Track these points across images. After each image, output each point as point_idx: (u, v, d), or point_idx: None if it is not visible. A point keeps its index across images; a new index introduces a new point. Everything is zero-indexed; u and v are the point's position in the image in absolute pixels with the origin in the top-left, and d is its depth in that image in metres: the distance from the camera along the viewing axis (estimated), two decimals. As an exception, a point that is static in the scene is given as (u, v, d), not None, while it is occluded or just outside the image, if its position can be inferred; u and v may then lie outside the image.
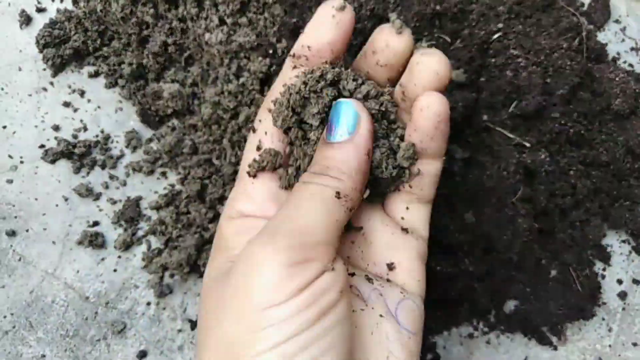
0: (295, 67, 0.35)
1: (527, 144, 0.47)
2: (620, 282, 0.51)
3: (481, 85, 0.48)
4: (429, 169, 0.35)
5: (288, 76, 0.35)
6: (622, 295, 0.51)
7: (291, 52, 0.35)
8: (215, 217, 0.52)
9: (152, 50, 0.54)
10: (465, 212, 0.46)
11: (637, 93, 0.52)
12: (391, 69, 0.35)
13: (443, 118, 0.32)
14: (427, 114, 0.32)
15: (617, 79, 0.52)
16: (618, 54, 0.57)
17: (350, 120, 0.30)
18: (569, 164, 0.49)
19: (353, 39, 0.47)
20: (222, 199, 0.51)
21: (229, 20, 0.51)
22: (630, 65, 0.56)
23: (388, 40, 0.34)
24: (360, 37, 0.47)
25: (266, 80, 0.50)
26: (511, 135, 0.47)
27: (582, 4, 0.58)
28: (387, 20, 0.47)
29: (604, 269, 0.52)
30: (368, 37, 0.46)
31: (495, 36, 0.48)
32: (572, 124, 0.49)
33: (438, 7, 0.47)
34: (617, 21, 0.58)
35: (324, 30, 0.33)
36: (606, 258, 0.51)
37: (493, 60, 0.48)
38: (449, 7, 0.47)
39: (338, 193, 0.30)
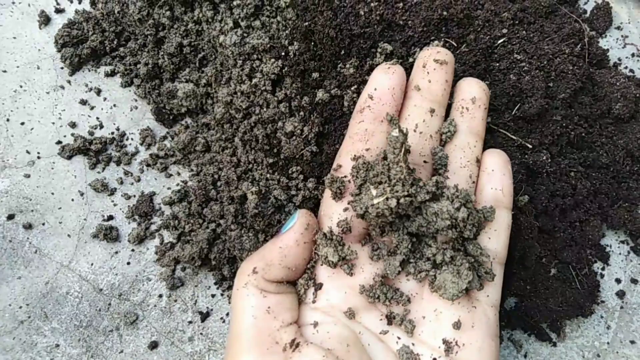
0: (361, 121, 0.38)
1: (529, 146, 0.48)
2: (618, 281, 0.52)
3: (485, 88, 0.49)
4: (502, 220, 0.39)
5: (355, 131, 0.39)
6: (621, 294, 0.52)
7: (356, 108, 0.39)
8: (226, 214, 0.53)
9: (167, 51, 0.56)
10: (469, 211, 0.48)
11: (637, 98, 0.54)
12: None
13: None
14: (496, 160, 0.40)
15: (617, 83, 0.53)
16: (619, 59, 0.58)
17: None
18: (569, 165, 0.51)
19: (363, 43, 0.49)
20: (232, 198, 0.53)
21: (243, 23, 0.53)
22: (631, 70, 0.58)
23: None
24: (370, 41, 0.48)
25: (278, 81, 0.51)
26: (514, 137, 0.49)
27: (585, 11, 0.60)
28: (396, 24, 0.49)
29: (602, 268, 0.53)
30: (377, 43, 0.48)
31: (500, 41, 0.50)
32: (573, 127, 0.51)
33: (445, 13, 0.48)
34: (618, 28, 0.60)
35: (382, 79, 0.38)
36: (605, 257, 0.53)
37: (497, 64, 0.49)
38: (456, 13, 0.49)
39: None
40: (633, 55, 0.58)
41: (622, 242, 0.54)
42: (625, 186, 0.53)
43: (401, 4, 0.49)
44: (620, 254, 0.53)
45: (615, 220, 0.52)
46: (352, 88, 0.48)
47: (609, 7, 0.59)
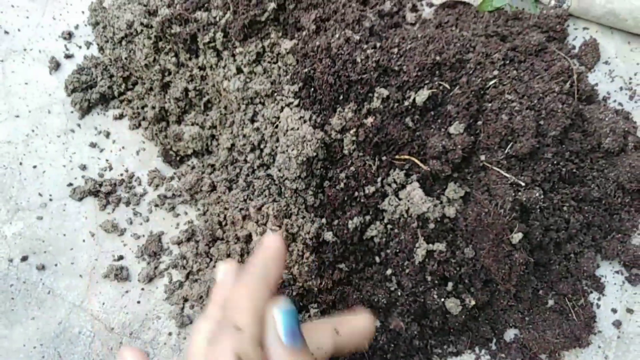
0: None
1: (522, 183, 0.50)
2: (614, 311, 0.54)
3: (479, 128, 0.51)
4: None
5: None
6: (617, 324, 0.53)
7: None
8: (232, 253, 0.55)
9: (173, 95, 0.59)
10: (465, 247, 0.50)
11: (626, 131, 0.56)
12: None
13: None
14: None
15: (606, 118, 0.55)
16: (608, 93, 0.61)
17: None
18: (562, 200, 0.53)
19: (360, 88, 0.51)
20: (237, 237, 0.54)
21: (245, 69, 0.55)
22: (620, 104, 0.60)
23: None
24: (367, 86, 0.51)
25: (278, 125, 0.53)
26: (507, 175, 0.50)
27: (573, 47, 0.62)
28: (391, 70, 0.51)
29: (598, 299, 0.54)
30: (373, 88, 0.51)
31: (491, 82, 0.52)
32: (564, 163, 0.53)
33: (438, 58, 0.50)
34: (606, 62, 0.62)
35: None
36: (600, 288, 0.54)
37: (489, 105, 0.52)
38: (448, 57, 0.51)
39: None
40: (621, 88, 0.61)
41: (617, 272, 0.55)
42: (618, 218, 0.55)
43: (396, 50, 0.52)
44: (615, 284, 0.55)
45: (609, 251, 0.54)
46: (352, 131, 0.50)
47: (596, 42, 0.61)
